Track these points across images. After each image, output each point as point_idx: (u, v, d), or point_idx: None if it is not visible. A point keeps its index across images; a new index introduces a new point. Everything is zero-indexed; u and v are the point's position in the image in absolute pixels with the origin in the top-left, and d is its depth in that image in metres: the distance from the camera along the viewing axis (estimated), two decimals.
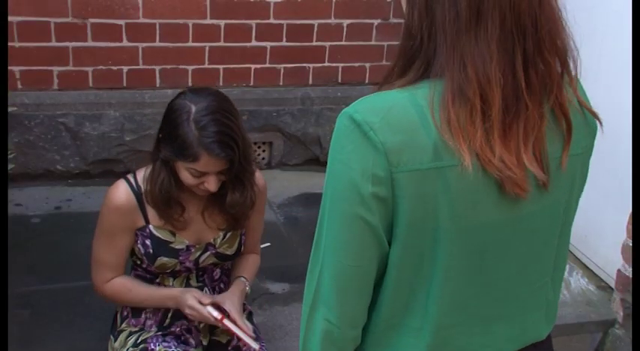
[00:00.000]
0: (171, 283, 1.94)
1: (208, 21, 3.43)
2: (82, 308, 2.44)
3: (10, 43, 3.12)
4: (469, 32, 0.96)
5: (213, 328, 1.98)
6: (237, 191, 1.83)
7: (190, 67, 3.49)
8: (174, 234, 1.87)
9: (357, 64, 3.75)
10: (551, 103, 1.02)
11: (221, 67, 3.54)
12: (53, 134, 3.34)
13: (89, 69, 3.34)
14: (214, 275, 2.01)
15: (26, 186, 3.30)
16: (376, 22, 3.69)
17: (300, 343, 1.12)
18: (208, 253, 1.92)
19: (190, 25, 3.40)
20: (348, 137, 0.99)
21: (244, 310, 2.01)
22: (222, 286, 2.05)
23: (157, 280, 1.94)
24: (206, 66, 3.51)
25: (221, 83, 3.55)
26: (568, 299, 2.73)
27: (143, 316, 1.97)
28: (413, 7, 1.02)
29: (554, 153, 1.05)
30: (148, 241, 1.85)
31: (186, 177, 1.74)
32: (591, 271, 2.89)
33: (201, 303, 1.83)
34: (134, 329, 1.97)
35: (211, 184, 1.74)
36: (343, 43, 3.68)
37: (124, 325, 1.98)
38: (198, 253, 1.91)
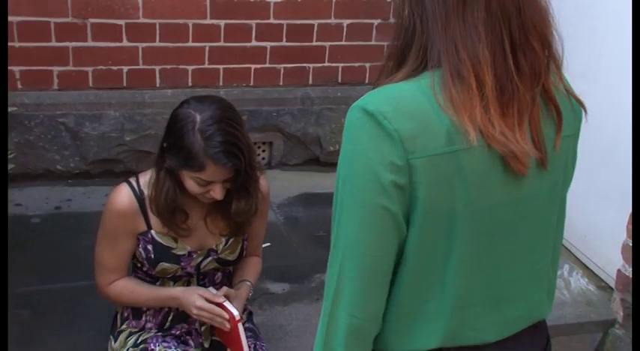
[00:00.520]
0: (171, 286, 1.94)
1: (208, 21, 3.43)
2: (82, 308, 2.44)
3: (10, 43, 3.12)
4: (457, 17, 1.03)
5: (214, 329, 1.98)
6: (242, 199, 1.82)
7: (190, 67, 3.49)
8: (176, 240, 1.86)
9: (357, 64, 3.76)
10: (540, 87, 1.07)
11: (221, 67, 3.54)
12: (53, 134, 3.34)
13: (89, 69, 3.34)
14: (215, 279, 2.00)
15: (26, 186, 3.29)
16: (376, 22, 3.69)
17: (319, 341, 1.12)
18: (210, 258, 1.92)
19: (190, 25, 3.40)
20: (362, 129, 1.02)
21: (244, 311, 2.01)
22: None
23: (158, 284, 1.94)
24: (206, 66, 3.51)
25: (221, 83, 3.55)
26: (568, 299, 2.73)
27: (144, 318, 1.97)
28: (404, 1, 1.08)
29: (549, 135, 1.10)
30: (149, 247, 1.85)
31: (191, 186, 1.74)
32: (591, 271, 2.89)
33: (209, 301, 1.80)
34: (134, 330, 1.97)
35: (217, 193, 1.74)
36: (343, 43, 3.68)
37: (124, 325, 1.98)
38: (200, 259, 1.91)
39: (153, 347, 1.88)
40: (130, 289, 1.91)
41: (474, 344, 1.15)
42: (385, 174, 1.00)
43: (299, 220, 3.27)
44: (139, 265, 1.93)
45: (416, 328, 1.12)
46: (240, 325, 1.78)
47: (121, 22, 3.30)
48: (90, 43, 3.29)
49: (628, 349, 2.58)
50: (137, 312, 1.97)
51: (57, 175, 3.41)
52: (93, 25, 3.26)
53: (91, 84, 3.37)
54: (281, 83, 3.67)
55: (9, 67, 3.13)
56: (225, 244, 1.93)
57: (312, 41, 3.63)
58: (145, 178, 1.84)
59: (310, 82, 3.72)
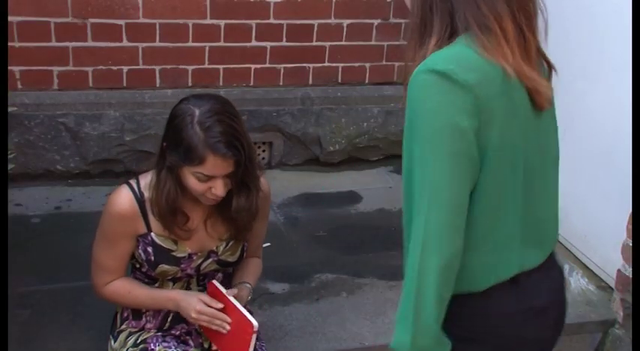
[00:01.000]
0: (171, 288, 1.93)
1: (208, 21, 3.43)
2: (82, 308, 2.44)
3: (10, 43, 3.11)
4: None
5: (201, 328, 1.96)
6: (242, 196, 1.81)
7: (190, 67, 3.49)
8: (176, 242, 1.86)
9: (357, 64, 3.75)
10: (537, 40, 1.30)
11: (221, 67, 3.54)
12: (53, 134, 3.34)
13: (89, 69, 3.34)
14: (216, 280, 2.00)
15: (26, 186, 3.30)
16: (376, 22, 3.69)
17: (409, 287, 1.21)
18: (210, 260, 1.92)
19: (190, 25, 3.40)
20: (433, 87, 1.18)
21: None
22: None
23: (156, 285, 1.94)
24: (206, 66, 3.51)
25: (221, 83, 3.55)
26: (568, 299, 2.72)
27: (144, 318, 1.97)
28: None
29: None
30: (149, 249, 1.85)
31: (193, 183, 1.73)
32: (591, 271, 2.88)
33: (208, 305, 1.80)
34: (133, 329, 1.97)
35: (219, 189, 1.73)
36: (343, 43, 3.68)
37: (123, 325, 1.98)
38: (200, 261, 1.90)
39: (153, 347, 1.88)
40: (127, 289, 1.90)
41: (531, 268, 1.34)
42: (463, 121, 1.16)
43: (299, 220, 3.27)
44: (138, 265, 1.92)
45: (497, 259, 1.29)
46: (254, 336, 1.76)
47: (121, 22, 3.30)
48: (90, 43, 3.29)
49: (628, 349, 2.58)
50: (137, 312, 1.97)
51: (57, 175, 3.41)
52: (93, 25, 3.26)
53: (91, 84, 3.37)
54: (281, 83, 3.67)
55: (9, 67, 3.13)
56: (226, 246, 1.92)
57: (312, 41, 3.63)
58: (146, 180, 1.83)
59: (310, 82, 3.71)
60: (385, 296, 2.64)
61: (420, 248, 1.19)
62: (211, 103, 1.71)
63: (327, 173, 3.73)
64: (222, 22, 3.45)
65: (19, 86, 3.26)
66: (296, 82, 3.70)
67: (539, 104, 1.26)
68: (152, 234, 1.84)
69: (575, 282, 2.85)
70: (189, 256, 1.88)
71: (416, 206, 1.21)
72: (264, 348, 1.97)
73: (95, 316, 2.35)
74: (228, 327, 1.79)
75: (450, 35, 1.24)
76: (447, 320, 1.24)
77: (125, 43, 3.34)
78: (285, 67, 3.65)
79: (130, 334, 1.96)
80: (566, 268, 2.91)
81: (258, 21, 3.50)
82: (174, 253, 1.86)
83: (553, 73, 1.39)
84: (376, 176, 3.77)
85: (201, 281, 1.96)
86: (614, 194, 2.67)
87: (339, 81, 3.76)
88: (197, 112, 1.69)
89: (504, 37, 1.21)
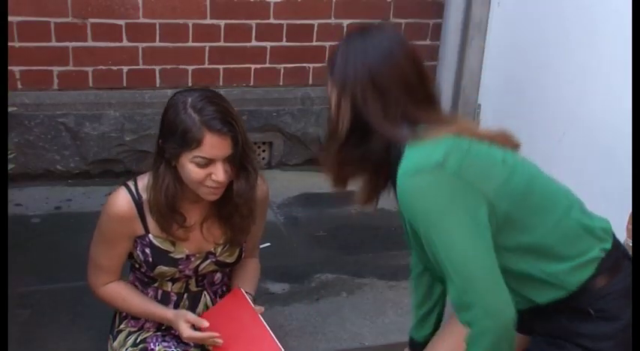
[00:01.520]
0: (169, 288, 1.93)
1: (208, 21, 3.43)
2: (82, 308, 2.44)
3: (10, 43, 3.12)
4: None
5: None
6: (242, 178, 1.80)
7: (190, 67, 3.49)
8: (174, 244, 1.86)
9: None
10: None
11: (221, 67, 3.54)
12: (53, 134, 3.34)
13: (89, 69, 3.34)
14: (215, 280, 1.99)
15: (26, 186, 3.30)
16: (376, 22, 3.68)
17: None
18: (208, 261, 1.91)
19: (190, 25, 3.41)
20: (439, 188, 1.36)
21: None
22: (224, 289, 2.03)
23: (155, 285, 1.93)
24: (206, 66, 3.51)
25: (221, 83, 3.56)
26: None
27: (143, 319, 1.97)
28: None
29: None
30: (147, 250, 1.85)
31: (192, 172, 1.71)
32: None
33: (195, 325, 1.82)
34: (133, 329, 1.97)
35: (219, 174, 1.70)
36: None
37: (122, 325, 1.98)
38: (198, 262, 1.90)
39: (153, 347, 1.88)
40: (122, 296, 1.91)
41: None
42: (481, 211, 1.37)
43: (299, 220, 3.27)
44: (137, 265, 1.93)
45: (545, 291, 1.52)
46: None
47: (121, 22, 3.30)
48: (90, 43, 3.29)
49: None
50: None
51: (57, 175, 3.41)
52: (93, 25, 3.27)
53: (91, 84, 3.37)
54: (281, 83, 3.68)
55: (9, 67, 3.13)
56: (224, 248, 1.92)
57: (312, 41, 3.63)
58: (144, 182, 1.83)
59: (310, 82, 3.72)
60: (385, 296, 2.63)
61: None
62: (201, 92, 1.75)
63: None
64: (222, 22, 3.45)
65: (19, 86, 3.27)
66: (296, 82, 3.70)
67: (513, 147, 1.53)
68: (150, 236, 1.84)
69: None
70: (187, 257, 1.87)
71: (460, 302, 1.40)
72: None
73: (95, 316, 2.35)
74: (220, 341, 1.79)
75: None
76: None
77: (125, 43, 3.34)
78: (285, 67, 3.65)
79: (130, 333, 1.96)
80: None
81: (258, 21, 3.50)
82: (171, 255, 1.86)
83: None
84: None
85: (199, 282, 1.96)
86: (614, 194, 2.67)
87: None
88: (189, 99, 1.71)
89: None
